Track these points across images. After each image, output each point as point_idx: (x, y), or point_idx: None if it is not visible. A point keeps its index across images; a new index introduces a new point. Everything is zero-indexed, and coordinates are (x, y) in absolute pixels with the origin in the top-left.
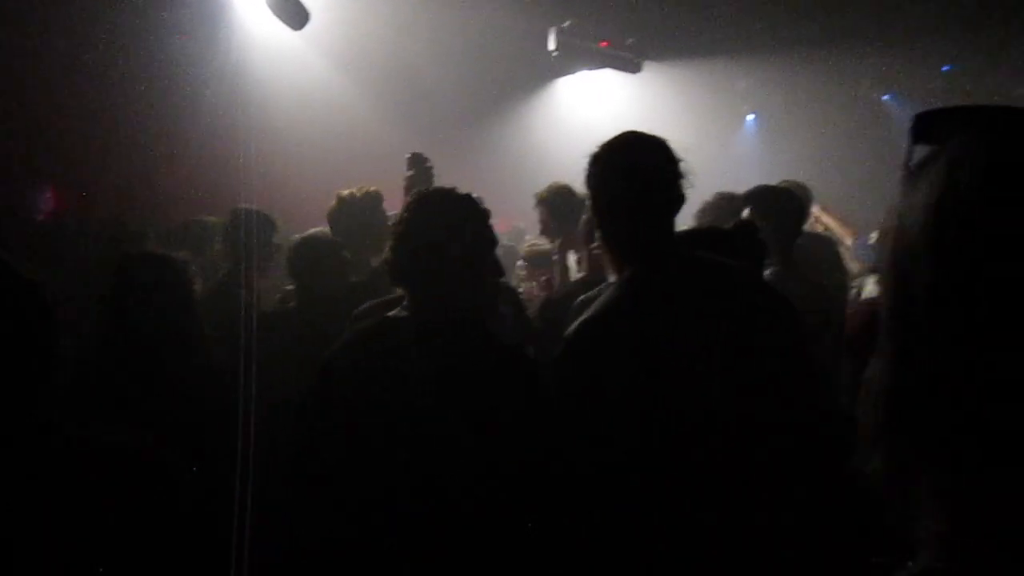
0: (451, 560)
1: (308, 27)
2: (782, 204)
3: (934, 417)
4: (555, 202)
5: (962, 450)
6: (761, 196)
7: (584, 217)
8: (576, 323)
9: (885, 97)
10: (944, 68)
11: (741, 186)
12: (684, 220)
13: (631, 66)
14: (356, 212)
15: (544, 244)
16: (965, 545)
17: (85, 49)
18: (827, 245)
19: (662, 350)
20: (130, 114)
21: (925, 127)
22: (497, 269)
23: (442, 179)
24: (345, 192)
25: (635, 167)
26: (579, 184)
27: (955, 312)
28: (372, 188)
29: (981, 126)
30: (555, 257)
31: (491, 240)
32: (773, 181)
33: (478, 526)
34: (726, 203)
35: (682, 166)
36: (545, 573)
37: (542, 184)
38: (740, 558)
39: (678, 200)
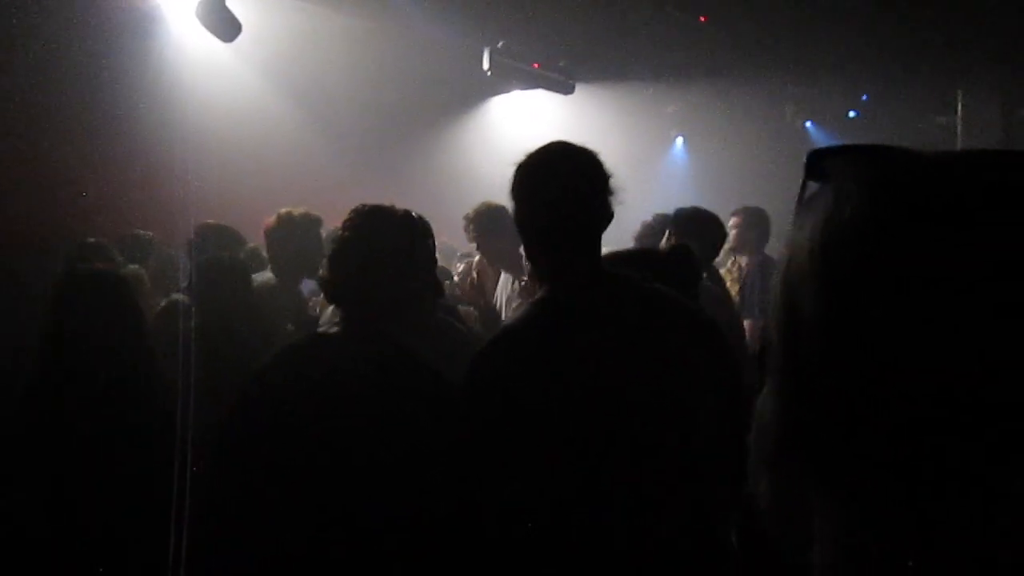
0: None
1: (239, 40)
2: (703, 226)
3: (818, 446)
4: (483, 221)
5: (847, 479)
6: (683, 218)
7: None
8: (486, 342)
9: (806, 124)
10: (863, 97)
11: (669, 207)
12: (620, 240)
13: (563, 87)
14: (293, 232)
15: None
16: (851, 572)
17: (11, 59)
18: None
19: (569, 371)
20: (57, 125)
21: (816, 165)
22: (438, 288)
23: (374, 196)
24: (284, 211)
25: (559, 178)
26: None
27: (838, 342)
28: (313, 212)
29: (864, 162)
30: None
31: (430, 259)
32: (700, 202)
33: (396, 550)
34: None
35: (612, 182)
36: None
37: (475, 201)
38: None
39: (604, 216)
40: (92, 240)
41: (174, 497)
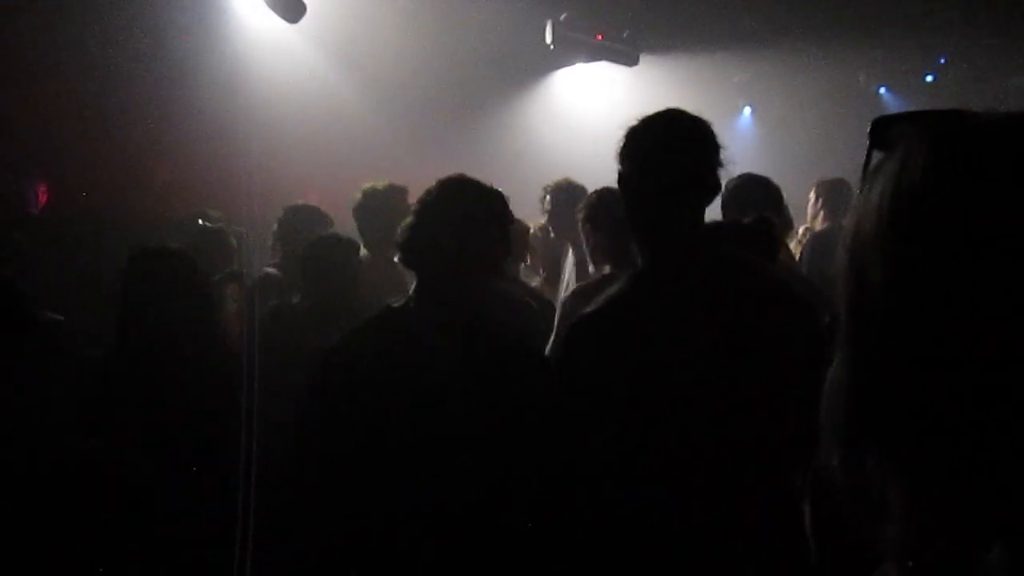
0: (449, 555)
1: (304, 20)
2: (755, 195)
3: (889, 418)
4: (560, 195)
5: (918, 452)
6: (731, 189)
7: (580, 209)
8: (579, 315)
9: (880, 90)
10: (940, 60)
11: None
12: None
13: (628, 59)
14: (379, 206)
15: None
16: (927, 550)
17: (81, 44)
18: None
19: (661, 348)
20: (124, 108)
21: (881, 133)
22: (505, 249)
23: (438, 173)
24: (367, 186)
25: (670, 145)
26: (585, 177)
27: (906, 311)
28: (397, 183)
29: (931, 126)
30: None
31: (505, 233)
32: (770, 174)
33: (474, 518)
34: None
35: (723, 153)
36: (546, 565)
37: (539, 176)
38: (721, 555)
39: (711, 187)
40: (211, 225)
41: (242, 469)
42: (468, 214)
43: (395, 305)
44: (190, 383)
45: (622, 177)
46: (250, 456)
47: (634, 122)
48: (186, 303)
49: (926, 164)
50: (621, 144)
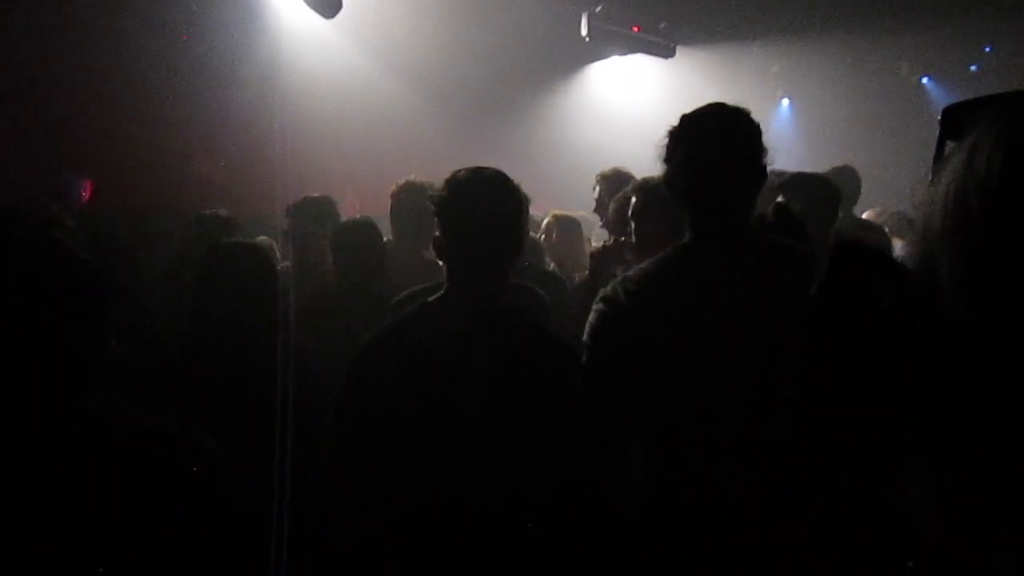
0: (484, 551)
1: (340, 15)
2: (816, 191)
3: (974, 424)
4: (612, 185)
5: (1007, 462)
6: (796, 184)
7: (616, 201)
8: (612, 283)
9: (923, 79)
10: (986, 48)
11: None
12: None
13: (664, 51)
14: (405, 204)
15: None
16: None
17: (123, 45)
18: (878, 234)
19: (691, 322)
20: (164, 104)
21: (952, 122)
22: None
23: (475, 164)
24: (394, 185)
25: (712, 145)
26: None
27: (979, 302)
28: (421, 180)
29: (998, 112)
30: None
31: (519, 226)
32: (808, 166)
33: (509, 514)
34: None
35: (764, 139)
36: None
37: (576, 168)
38: (752, 544)
39: (756, 176)
40: (210, 211)
41: (288, 458)
42: (482, 208)
43: (431, 300)
44: (266, 375)
45: (669, 178)
46: (285, 448)
47: (675, 123)
48: (262, 295)
49: (992, 153)
50: (665, 145)
